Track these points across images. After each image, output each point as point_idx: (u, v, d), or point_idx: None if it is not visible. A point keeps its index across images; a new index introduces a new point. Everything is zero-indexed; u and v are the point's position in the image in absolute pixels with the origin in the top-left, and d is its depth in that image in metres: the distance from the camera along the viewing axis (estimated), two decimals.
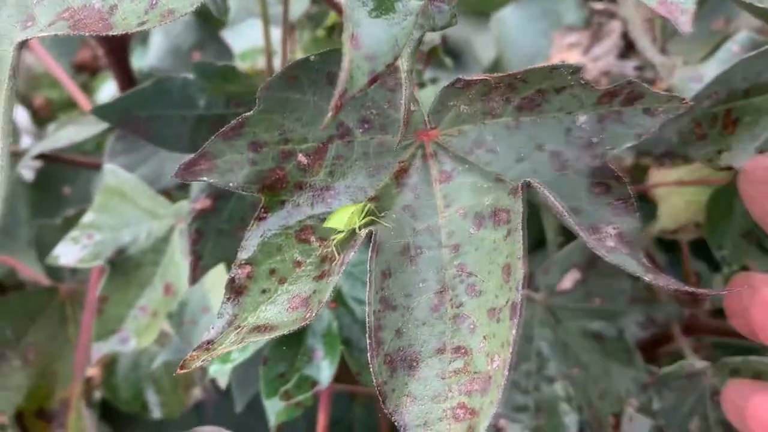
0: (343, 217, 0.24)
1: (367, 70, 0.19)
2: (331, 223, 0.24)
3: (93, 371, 0.46)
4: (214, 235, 0.32)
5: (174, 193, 0.42)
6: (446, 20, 0.26)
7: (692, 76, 0.45)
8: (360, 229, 0.23)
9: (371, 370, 0.23)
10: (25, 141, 0.69)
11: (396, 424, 0.22)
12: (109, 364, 0.48)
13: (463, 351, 0.23)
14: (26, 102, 0.70)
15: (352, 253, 0.23)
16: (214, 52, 0.47)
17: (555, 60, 0.51)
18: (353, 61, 0.19)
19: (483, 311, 0.23)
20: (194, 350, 0.23)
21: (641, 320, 0.42)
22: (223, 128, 0.24)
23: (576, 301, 0.41)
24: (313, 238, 0.25)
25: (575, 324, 0.41)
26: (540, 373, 0.40)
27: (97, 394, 0.48)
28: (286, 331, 0.23)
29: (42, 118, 0.68)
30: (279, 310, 0.23)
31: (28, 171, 0.65)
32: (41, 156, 0.52)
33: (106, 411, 0.50)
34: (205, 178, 0.24)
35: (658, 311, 0.42)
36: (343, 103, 0.19)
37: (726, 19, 0.50)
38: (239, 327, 0.23)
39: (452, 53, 0.66)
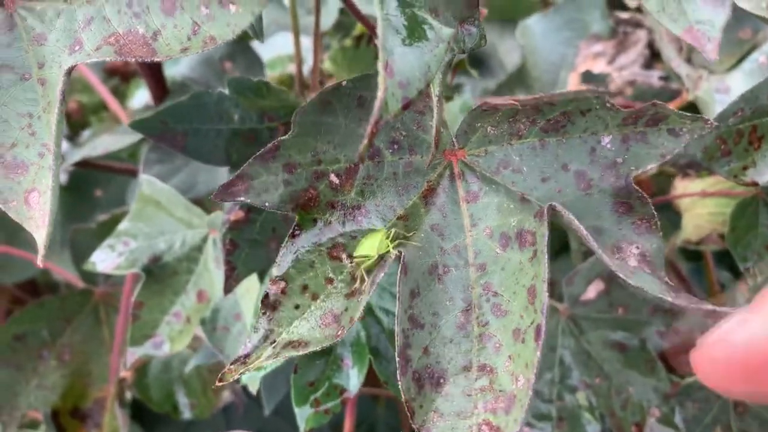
0: (373, 243, 0.24)
1: (400, 97, 0.20)
2: (362, 251, 0.24)
3: (126, 372, 0.48)
4: (248, 246, 0.33)
5: (205, 201, 0.43)
6: (475, 42, 0.26)
7: (718, 87, 0.45)
8: (390, 251, 0.24)
9: (400, 386, 0.23)
10: None
11: None
12: (142, 366, 0.49)
13: (488, 369, 0.24)
14: None
15: (382, 274, 0.24)
16: (244, 62, 0.48)
17: (581, 68, 0.52)
18: (388, 89, 0.20)
19: (508, 331, 0.24)
20: (231, 363, 0.24)
21: (663, 330, 0.42)
22: (260, 151, 0.25)
23: (599, 311, 0.41)
24: (344, 256, 0.25)
25: (598, 334, 0.41)
26: (563, 382, 0.40)
27: (129, 395, 0.49)
28: (317, 348, 0.24)
29: (74, 121, 0.69)
30: (312, 326, 0.24)
31: (62, 174, 0.66)
32: (75, 164, 0.53)
33: (137, 411, 0.52)
34: (242, 198, 0.25)
35: (680, 321, 0.42)
36: (378, 129, 0.20)
37: (753, 28, 0.50)
38: (274, 342, 0.24)
39: (477, 58, 0.67)
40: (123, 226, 0.39)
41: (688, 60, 0.51)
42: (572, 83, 0.52)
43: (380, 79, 0.20)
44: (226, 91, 0.33)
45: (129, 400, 0.49)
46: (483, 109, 0.25)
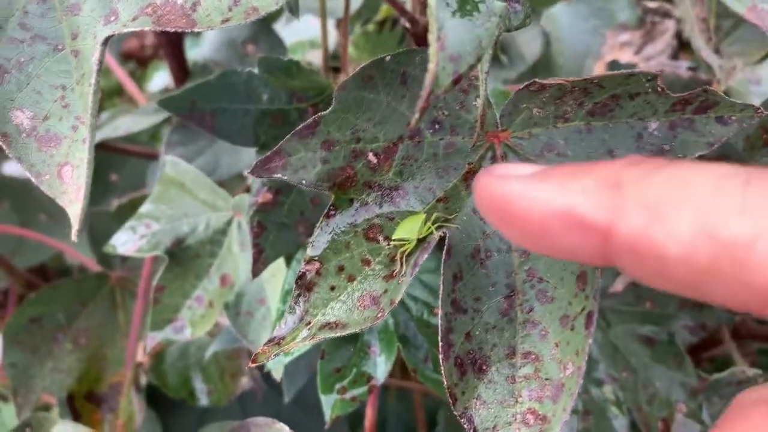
0: (413, 226, 0.24)
1: (451, 71, 0.19)
2: (401, 234, 0.24)
3: (143, 357, 0.47)
4: (275, 229, 0.32)
5: (227, 184, 0.43)
6: (520, 20, 0.26)
7: (750, 79, 0.44)
8: (432, 233, 0.24)
9: (442, 371, 0.23)
10: None
11: (465, 426, 0.23)
12: (159, 351, 0.48)
13: (533, 357, 0.23)
14: None
15: (425, 256, 0.23)
16: (267, 45, 0.47)
17: (607, 58, 0.51)
18: (439, 63, 0.19)
19: (555, 318, 0.23)
20: (265, 344, 0.23)
21: (691, 325, 0.41)
22: (298, 127, 0.24)
23: (627, 304, 0.41)
24: (380, 237, 0.25)
25: (625, 327, 0.40)
26: (589, 375, 0.40)
27: (144, 380, 0.49)
28: (356, 329, 0.23)
29: None
30: (349, 308, 0.24)
31: None
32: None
33: (152, 397, 0.51)
34: (279, 175, 0.24)
35: (708, 316, 0.41)
36: (429, 104, 0.19)
37: None
38: (309, 323, 0.24)
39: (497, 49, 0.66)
40: (145, 208, 0.38)
41: (716, 51, 0.50)
42: (598, 73, 0.51)
43: (431, 52, 0.19)
44: (255, 71, 0.32)
45: (144, 386, 0.49)
46: (531, 89, 0.24)
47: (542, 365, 0.23)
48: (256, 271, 0.32)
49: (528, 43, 0.67)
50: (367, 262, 0.25)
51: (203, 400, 0.48)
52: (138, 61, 0.73)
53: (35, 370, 0.47)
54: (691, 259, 0.15)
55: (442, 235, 0.24)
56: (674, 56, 0.52)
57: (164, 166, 0.38)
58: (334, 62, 0.47)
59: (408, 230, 0.24)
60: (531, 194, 0.18)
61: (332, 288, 0.24)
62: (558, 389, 0.22)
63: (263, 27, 0.48)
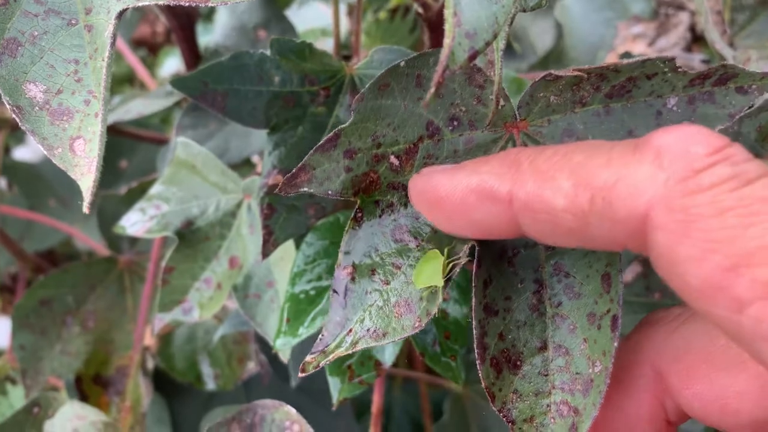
0: (434, 270, 0.23)
1: (468, 47, 0.19)
2: (423, 282, 0.24)
3: (150, 340, 0.47)
4: (285, 211, 0.32)
5: (236, 168, 0.43)
6: (537, 0, 0.26)
7: (764, 71, 0.44)
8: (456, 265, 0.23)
9: (480, 374, 0.23)
10: None
11: (505, 421, 0.23)
12: (166, 335, 0.49)
13: (563, 350, 0.23)
14: None
15: (457, 270, 0.23)
16: (279, 31, 0.47)
17: (620, 50, 0.51)
18: (455, 38, 0.19)
19: (582, 314, 0.23)
20: (311, 354, 0.24)
21: None
22: (320, 143, 0.24)
23: (635, 294, 0.40)
24: (408, 238, 0.25)
25: (634, 318, 0.40)
26: None
27: (151, 364, 0.49)
28: (396, 338, 0.23)
29: None
30: (386, 314, 0.24)
31: None
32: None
33: (159, 380, 0.51)
34: (305, 189, 0.24)
35: None
36: (444, 79, 0.19)
37: None
38: (351, 330, 0.24)
39: (509, 40, 0.66)
40: (155, 189, 0.38)
41: (730, 44, 0.50)
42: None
43: (447, 28, 0.19)
44: (268, 53, 0.32)
45: (152, 369, 0.49)
46: (547, 79, 0.24)
47: (572, 359, 0.23)
48: (266, 252, 0.32)
49: (541, 35, 0.66)
50: (397, 266, 0.25)
51: (210, 384, 0.49)
52: (149, 47, 0.73)
53: (44, 352, 0.47)
54: (574, 207, 0.19)
55: (468, 257, 0.24)
56: (687, 49, 0.52)
57: (175, 148, 0.38)
58: (345, 51, 0.47)
59: (429, 276, 0.23)
60: (451, 180, 0.22)
61: (367, 293, 0.24)
62: (587, 384, 0.22)
63: (275, 12, 0.48)
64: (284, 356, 0.35)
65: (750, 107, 0.24)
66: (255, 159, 0.49)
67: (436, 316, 0.33)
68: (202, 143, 0.40)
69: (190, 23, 0.45)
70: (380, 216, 0.25)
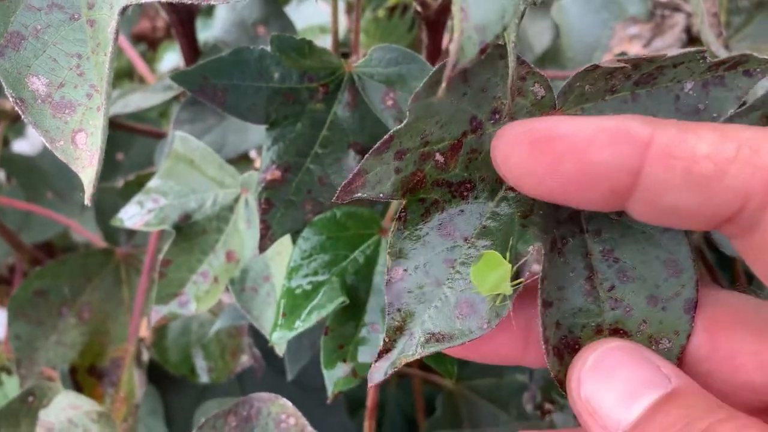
0: (500, 277, 0.23)
1: (477, 41, 0.20)
2: (491, 289, 0.23)
3: (145, 333, 0.48)
4: (283, 206, 0.33)
5: (233, 163, 0.43)
6: None
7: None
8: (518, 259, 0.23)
9: (547, 365, 0.24)
10: None
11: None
12: (161, 328, 0.49)
13: (621, 333, 0.24)
14: None
15: (526, 274, 0.23)
16: (278, 27, 0.48)
17: (616, 50, 0.51)
18: (464, 32, 0.19)
19: (640, 297, 0.24)
20: (377, 361, 0.24)
21: None
22: (375, 146, 0.24)
23: None
24: (456, 234, 0.25)
25: None
26: None
27: (146, 356, 0.49)
28: (463, 341, 0.23)
29: None
30: (447, 316, 0.23)
31: None
32: None
33: (154, 373, 0.52)
34: (359, 194, 0.24)
35: None
36: (455, 74, 0.19)
37: None
38: (412, 334, 0.23)
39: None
40: (153, 183, 0.38)
41: (726, 46, 0.50)
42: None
43: (456, 23, 0.19)
44: (268, 49, 0.33)
45: (146, 362, 0.49)
46: (587, 70, 0.24)
47: (630, 339, 0.23)
48: (263, 246, 0.32)
49: (538, 35, 0.67)
50: (450, 264, 0.24)
51: (203, 377, 0.49)
52: (149, 43, 0.73)
53: (39, 342, 0.47)
54: (717, 154, 0.19)
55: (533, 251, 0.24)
56: None
57: (173, 142, 0.38)
58: (344, 48, 0.47)
59: (496, 283, 0.23)
60: (576, 120, 0.21)
61: (422, 292, 0.24)
62: None
63: (274, 9, 0.48)
64: (280, 350, 0.36)
65: (741, 105, 0.25)
66: (253, 154, 0.49)
67: None
68: (199, 138, 0.40)
69: (189, 18, 0.46)
70: (425, 214, 0.25)
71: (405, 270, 0.24)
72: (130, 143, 0.64)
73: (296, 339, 0.41)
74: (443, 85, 0.19)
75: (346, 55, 0.41)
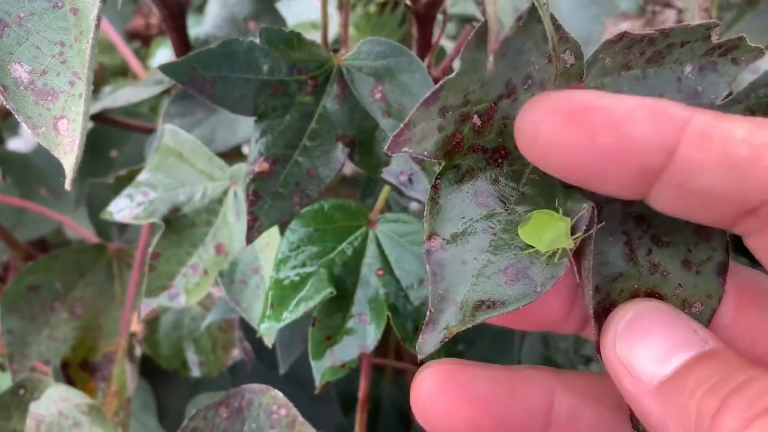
0: (557, 233, 0.22)
1: (511, 9, 0.20)
2: (547, 245, 0.23)
3: (137, 327, 0.48)
4: (271, 198, 0.33)
5: (222, 157, 0.43)
6: None
7: (749, 68, 0.44)
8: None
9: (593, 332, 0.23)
10: None
11: None
12: (152, 321, 0.49)
13: (657, 296, 0.24)
14: None
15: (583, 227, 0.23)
16: (268, 23, 0.48)
17: None
18: (497, 3, 0.19)
19: (675, 261, 0.24)
20: (424, 334, 0.22)
21: None
22: (424, 97, 0.23)
23: None
24: (493, 202, 0.24)
25: None
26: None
27: (138, 351, 0.49)
28: (515, 307, 0.22)
29: (94, 83, 0.69)
30: (496, 283, 0.23)
31: None
32: (93, 117, 0.53)
33: (146, 367, 0.52)
34: (406, 149, 0.23)
35: None
36: (498, 45, 0.19)
37: None
38: (457, 302, 0.23)
39: None
40: (143, 176, 0.38)
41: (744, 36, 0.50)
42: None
43: None
44: (257, 41, 0.33)
45: (139, 356, 0.49)
46: (611, 40, 0.24)
47: (665, 302, 0.24)
48: (250, 238, 0.32)
49: None
50: (491, 231, 0.24)
51: (195, 371, 0.49)
52: (143, 39, 0.73)
53: (32, 337, 0.47)
54: (753, 138, 0.19)
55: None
56: None
57: (163, 136, 0.38)
58: (336, 45, 0.47)
59: (555, 238, 0.22)
60: (616, 95, 0.21)
61: (464, 262, 0.23)
62: None
63: (266, 4, 0.48)
64: (269, 341, 0.36)
65: (727, 96, 0.25)
66: (246, 150, 0.49)
67: (417, 303, 0.33)
68: (189, 131, 0.40)
69: (180, 13, 0.46)
70: (460, 182, 0.24)
71: (444, 239, 0.23)
72: (124, 140, 0.64)
73: (288, 332, 0.41)
74: (490, 58, 0.19)
75: (338, 51, 0.42)
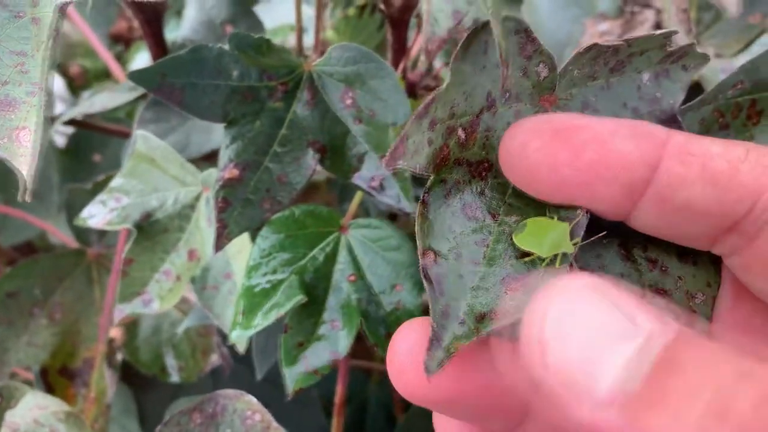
0: (559, 238, 0.22)
1: (449, 10, 0.20)
2: (548, 250, 0.22)
3: (116, 333, 0.48)
4: (240, 205, 0.33)
5: (196, 163, 0.43)
6: None
7: (724, 68, 0.45)
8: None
9: None
10: (60, 108, 0.70)
11: None
12: (131, 327, 0.49)
13: (662, 291, 0.24)
14: (62, 70, 0.71)
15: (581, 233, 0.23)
16: (246, 27, 0.48)
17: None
18: (431, 2, 0.19)
19: (672, 255, 0.24)
20: (429, 350, 0.22)
21: None
22: (417, 110, 0.23)
23: None
24: (481, 214, 0.24)
25: None
26: None
27: (119, 357, 0.49)
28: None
29: (77, 86, 0.69)
30: (496, 294, 0.23)
31: (60, 137, 0.66)
32: (74, 122, 0.53)
33: (127, 372, 0.52)
34: (401, 163, 0.23)
35: None
36: (433, 46, 0.19)
37: (763, 14, 0.50)
38: (459, 317, 0.22)
39: None
40: (116, 182, 0.38)
41: (696, 42, 0.50)
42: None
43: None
44: (227, 47, 0.33)
45: (119, 361, 0.49)
46: (580, 52, 0.24)
47: (671, 299, 0.24)
48: (219, 246, 0.32)
49: None
50: (483, 244, 0.24)
51: (174, 377, 0.49)
52: (126, 43, 0.73)
53: (10, 343, 0.47)
54: (729, 153, 0.20)
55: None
56: None
57: (135, 142, 0.38)
58: (322, 47, 0.47)
59: (556, 243, 0.22)
60: (596, 118, 0.22)
61: (460, 276, 0.23)
62: (690, 317, 0.23)
63: (243, 8, 0.48)
64: (241, 348, 0.36)
65: (693, 98, 0.25)
66: None
67: (389, 308, 0.33)
68: (163, 137, 0.40)
69: (156, 17, 0.46)
70: (447, 196, 0.24)
71: (437, 254, 0.23)
72: (106, 144, 0.64)
73: (264, 338, 0.41)
74: (424, 58, 0.19)
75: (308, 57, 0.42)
